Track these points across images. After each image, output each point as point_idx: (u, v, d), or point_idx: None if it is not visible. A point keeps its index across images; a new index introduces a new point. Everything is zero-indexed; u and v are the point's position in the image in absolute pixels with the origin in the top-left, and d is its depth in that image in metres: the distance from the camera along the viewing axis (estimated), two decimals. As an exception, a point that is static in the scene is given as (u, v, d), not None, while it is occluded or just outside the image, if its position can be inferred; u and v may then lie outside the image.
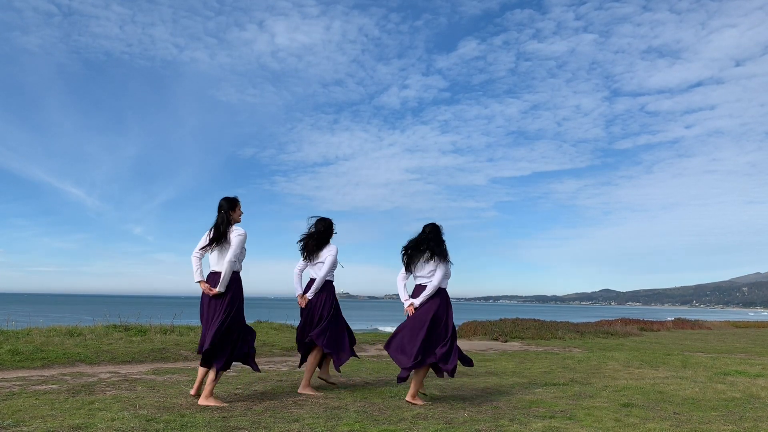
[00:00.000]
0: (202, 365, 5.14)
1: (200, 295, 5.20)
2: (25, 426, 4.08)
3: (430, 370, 5.50)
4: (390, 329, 19.35)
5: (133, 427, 4.07)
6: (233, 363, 5.31)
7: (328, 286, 5.95)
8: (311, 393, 5.69)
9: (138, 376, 6.74)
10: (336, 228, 6.10)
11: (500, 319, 19.47)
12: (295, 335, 6.29)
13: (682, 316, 33.01)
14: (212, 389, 5.06)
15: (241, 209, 5.36)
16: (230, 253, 5.07)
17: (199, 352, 5.16)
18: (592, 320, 25.10)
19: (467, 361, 5.52)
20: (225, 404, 4.99)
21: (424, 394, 5.68)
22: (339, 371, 6.21)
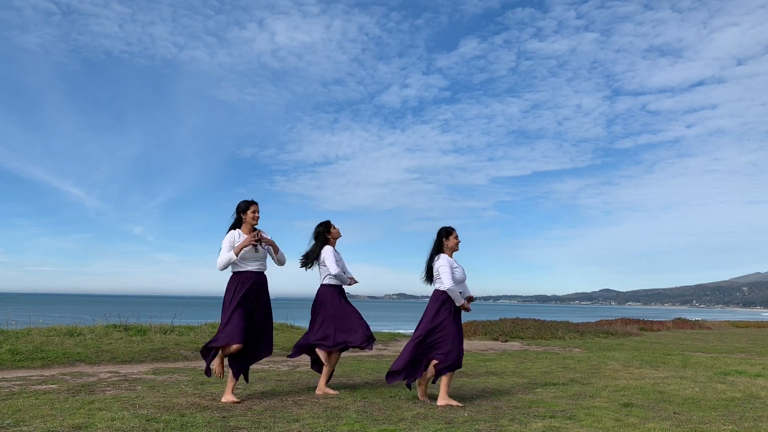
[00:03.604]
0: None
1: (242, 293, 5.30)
2: (25, 426, 4.08)
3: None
4: (390, 330, 19.31)
5: (133, 427, 4.06)
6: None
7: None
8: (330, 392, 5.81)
9: (138, 376, 6.75)
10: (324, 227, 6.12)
11: (500, 319, 19.47)
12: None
13: (682, 316, 32.98)
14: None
15: (253, 212, 5.42)
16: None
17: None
18: (592, 320, 25.09)
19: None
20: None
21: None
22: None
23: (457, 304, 5.42)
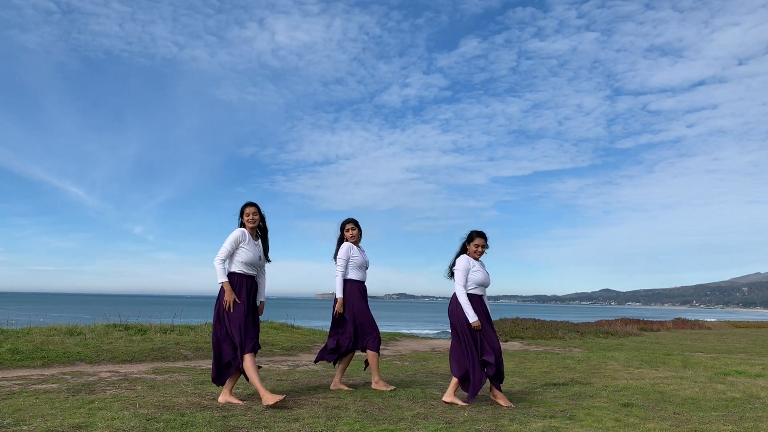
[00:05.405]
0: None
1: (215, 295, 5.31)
2: (25, 425, 4.08)
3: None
4: (390, 330, 19.30)
5: (133, 427, 4.07)
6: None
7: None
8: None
9: (138, 376, 6.75)
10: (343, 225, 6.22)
11: (500, 319, 19.50)
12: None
13: (682, 316, 32.98)
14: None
15: (246, 215, 5.31)
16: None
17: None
18: (592, 320, 25.11)
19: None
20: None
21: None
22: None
23: (470, 319, 5.19)
